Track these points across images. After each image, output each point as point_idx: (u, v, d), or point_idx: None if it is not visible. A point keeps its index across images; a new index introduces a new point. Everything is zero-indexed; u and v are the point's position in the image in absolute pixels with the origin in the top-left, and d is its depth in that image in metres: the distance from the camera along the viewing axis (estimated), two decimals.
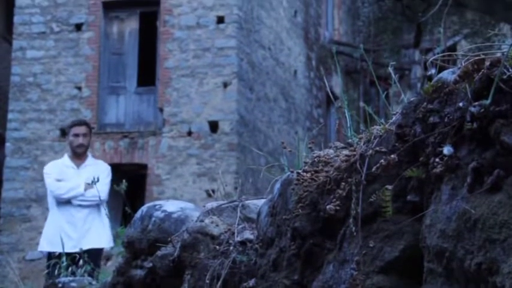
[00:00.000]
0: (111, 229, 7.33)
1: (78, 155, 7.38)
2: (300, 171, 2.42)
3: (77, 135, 7.36)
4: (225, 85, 16.77)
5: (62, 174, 7.26)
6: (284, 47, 19.90)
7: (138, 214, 3.69)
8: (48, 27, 17.53)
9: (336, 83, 22.44)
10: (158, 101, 17.14)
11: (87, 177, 6.91)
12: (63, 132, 17.00)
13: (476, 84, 1.70)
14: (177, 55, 17.06)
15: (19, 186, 16.83)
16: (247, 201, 3.33)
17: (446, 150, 1.75)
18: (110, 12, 17.78)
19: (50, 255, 6.81)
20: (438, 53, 1.99)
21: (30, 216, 16.70)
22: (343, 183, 2.16)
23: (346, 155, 2.24)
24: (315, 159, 2.43)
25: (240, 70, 16.96)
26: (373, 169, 2.02)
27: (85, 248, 6.45)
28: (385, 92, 2.91)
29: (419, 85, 19.99)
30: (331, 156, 2.40)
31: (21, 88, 17.31)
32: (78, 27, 17.55)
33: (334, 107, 21.67)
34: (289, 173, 2.52)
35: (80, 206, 7.15)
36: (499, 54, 1.70)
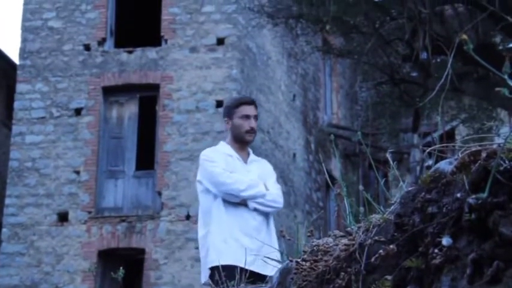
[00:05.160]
0: None
1: (245, 144, 5.44)
2: (299, 260, 2.41)
3: (247, 116, 5.30)
4: None
5: (230, 166, 5.31)
6: (283, 131, 20.03)
7: None
8: (47, 112, 17.66)
9: (335, 166, 22.49)
10: (157, 184, 17.14)
11: (257, 175, 5.36)
12: (61, 217, 16.94)
13: (473, 175, 1.71)
14: (176, 139, 17.15)
15: (14, 273, 16.65)
16: None
17: (445, 241, 1.75)
18: (110, 96, 17.94)
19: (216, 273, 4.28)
20: (436, 138, 2.01)
21: None
22: (342, 273, 2.15)
23: (345, 244, 2.23)
24: (314, 248, 2.42)
25: None
26: (373, 259, 2.01)
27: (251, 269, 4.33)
28: (384, 179, 2.92)
29: (418, 169, 20.04)
30: (331, 245, 2.39)
31: (20, 173, 17.32)
32: (78, 111, 17.68)
33: (334, 192, 21.67)
34: (288, 261, 2.51)
35: (255, 210, 5.25)
36: (495, 146, 1.72)
